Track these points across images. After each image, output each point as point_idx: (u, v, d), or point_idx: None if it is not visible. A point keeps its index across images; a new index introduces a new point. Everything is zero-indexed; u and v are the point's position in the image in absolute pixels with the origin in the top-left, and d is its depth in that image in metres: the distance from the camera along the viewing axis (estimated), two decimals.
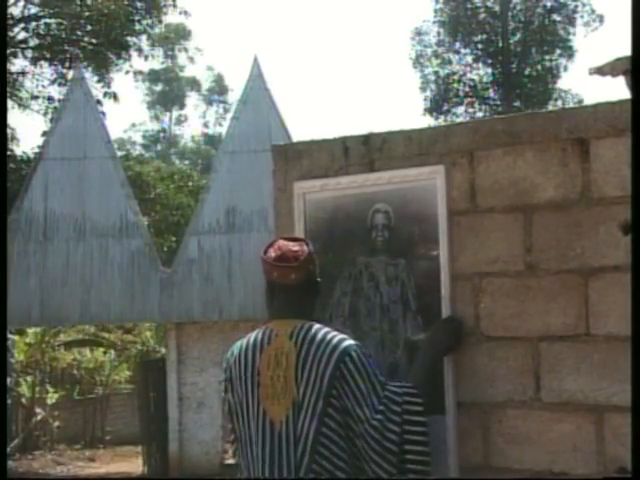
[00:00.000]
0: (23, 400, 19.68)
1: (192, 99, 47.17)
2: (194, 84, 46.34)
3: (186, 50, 39.06)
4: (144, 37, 20.56)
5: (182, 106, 46.69)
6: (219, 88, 46.58)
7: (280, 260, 2.99)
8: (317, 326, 2.96)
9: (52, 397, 20.21)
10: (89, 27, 19.36)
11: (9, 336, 18.69)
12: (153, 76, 43.14)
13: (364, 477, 2.84)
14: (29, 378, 19.86)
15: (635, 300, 2.67)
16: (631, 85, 2.73)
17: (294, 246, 3.06)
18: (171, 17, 21.19)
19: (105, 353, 22.02)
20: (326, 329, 2.96)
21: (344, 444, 2.80)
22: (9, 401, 18.50)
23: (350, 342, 2.91)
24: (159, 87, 45.16)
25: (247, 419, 2.91)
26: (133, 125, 45.73)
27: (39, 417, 19.63)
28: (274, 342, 2.92)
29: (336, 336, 2.92)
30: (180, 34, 35.10)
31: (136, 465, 16.32)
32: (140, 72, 26.22)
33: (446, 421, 3.29)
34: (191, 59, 42.62)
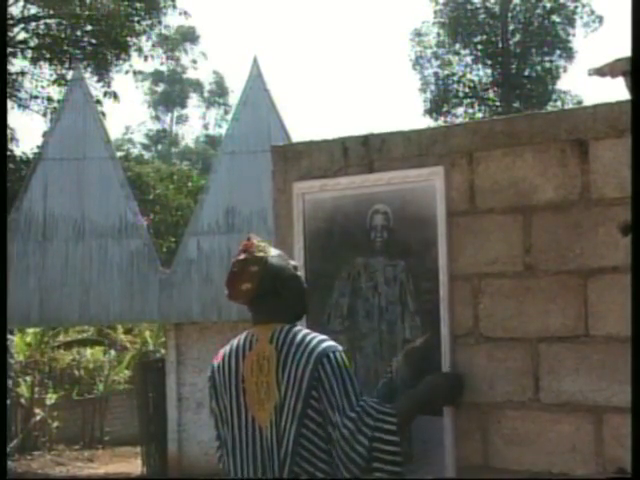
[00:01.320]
0: (22, 400, 19.68)
1: (193, 100, 47.25)
2: (197, 86, 46.39)
3: (186, 52, 39.15)
4: (144, 37, 20.58)
5: (183, 107, 46.75)
6: (220, 90, 46.61)
7: (227, 284, 3.06)
8: (297, 328, 2.96)
9: (51, 397, 20.21)
10: (89, 27, 19.37)
11: (8, 336, 18.70)
12: (157, 77, 43.21)
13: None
14: (28, 378, 19.86)
15: (635, 300, 2.67)
16: (631, 86, 2.72)
17: (235, 265, 3.06)
18: (171, 18, 21.13)
19: (105, 353, 22.02)
20: (306, 331, 2.96)
21: (324, 445, 2.81)
22: (8, 401, 18.51)
23: (329, 343, 2.91)
24: (161, 88, 45.21)
25: (234, 426, 2.92)
26: (132, 126, 45.81)
27: (38, 417, 19.62)
28: (255, 347, 2.94)
29: (315, 337, 2.91)
30: (187, 37, 35.15)
31: (135, 465, 16.32)
32: (140, 72, 26.23)
33: (444, 422, 3.29)
34: (194, 62, 42.74)
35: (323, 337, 2.94)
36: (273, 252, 3.11)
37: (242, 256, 3.06)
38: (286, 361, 2.85)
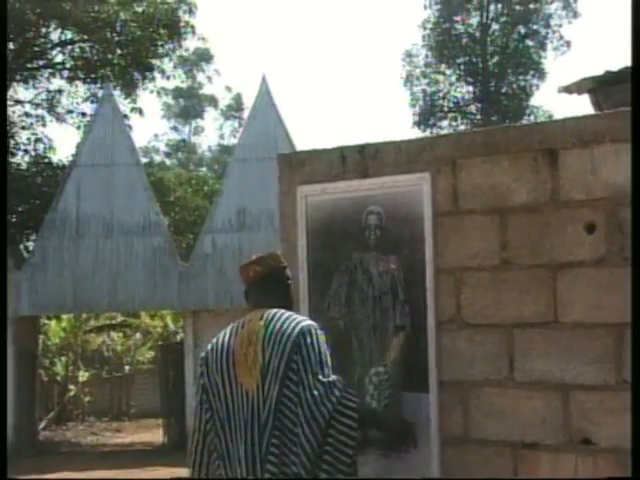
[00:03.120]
0: (58, 378, 19.68)
1: (210, 114, 47.17)
2: (212, 100, 46.32)
3: (204, 71, 39.12)
4: (166, 60, 20.56)
5: (200, 119, 46.71)
6: (237, 106, 46.55)
7: (244, 266, 3.16)
8: (284, 311, 2.98)
9: (83, 375, 20.21)
10: (118, 51, 19.34)
11: (45, 322, 18.70)
12: (176, 92, 43.15)
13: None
14: (63, 359, 19.86)
15: (635, 300, 2.62)
16: (632, 89, 2.67)
17: (255, 256, 3.17)
18: (190, 42, 21.08)
19: (130, 337, 22.02)
20: (291, 313, 2.99)
21: (297, 409, 2.78)
22: (45, 379, 18.51)
23: (311, 322, 2.94)
24: (180, 102, 45.16)
25: (226, 396, 2.88)
26: (156, 135, 45.73)
27: (72, 393, 19.63)
28: (247, 326, 2.96)
29: (299, 317, 2.96)
30: (203, 57, 35.09)
31: (157, 435, 16.34)
32: (162, 89, 26.21)
33: (429, 398, 3.29)
34: (209, 79, 42.67)
35: (306, 318, 3.00)
36: (285, 264, 3.19)
37: (263, 254, 3.17)
38: (272, 331, 2.86)
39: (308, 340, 2.84)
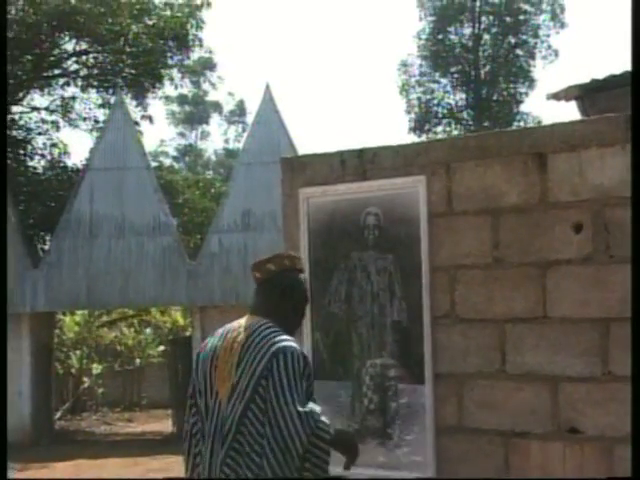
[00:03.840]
0: (72, 371, 19.67)
1: (215, 119, 47.14)
2: (217, 107, 46.28)
3: (210, 80, 39.04)
4: (175, 69, 20.54)
5: (206, 124, 46.70)
6: (239, 111, 46.52)
7: (259, 261, 2.85)
8: (270, 325, 2.70)
9: (97, 368, 20.20)
10: (130, 61, 19.34)
11: (60, 317, 18.71)
12: (182, 100, 43.12)
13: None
14: (78, 352, 19.85)
15: (635, 301, 2.60)
16: (632, 90, 2.65)
17: (273, 254, 2.85)
18: (197, 53, 21.06)
19: (141, 332, 22.01)
20: (274, 330, 2.68)
21: (261, 429, 2.55)
22: (60, 371, 18.52)
23: (290, 344, 2.63)
24: (186, 109, 45.13)
25: (206, 396, 2.74)
26: (164, 141, 45.70)
27: (86, 385, 19.63)
28: (233, 333, 2.74)
29: (280, 336, 2.65)
30: (207, 66, 35.05)
31: (167, 425, 16.32)
32: (168, 97, 26.22)
33: (425, 389, 3.29)
34: (214, 85, 42.64)
35: (288, 338, 2.66)
36: (287, 269, 2.83)
37: (293, 253, 2.95)
38: (249, 348, 2.64)
39: (281, 363, 2.57)
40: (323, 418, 2.57)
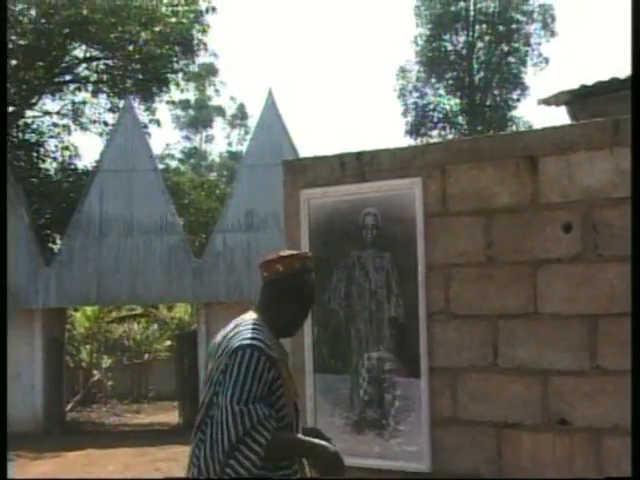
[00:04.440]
0: (83, 364, 19.69)
1: (219, 123, 47.11)
2: (220, 111, 46.26)
3: (214, 84, 38.99)
4: (181, 75, 20.52)
5: (210, 128, 46.67)
6: (241, 115, 46.49)
7: (270, 259, 2.67)
8: (251, 322, 2.57)
9: (106, 362, 20.22)
10: (138, 66, 19.33)
11: (72, 313, 18.70)
12: (186, 104, 43.09)
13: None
14: (88, 347, 19.87)
15: (635, 300, 2.59)
16: (632, 90, 2.64)
17: (277, 253, 2.68)
18: (203, 58, 21.01)
19: (148, 327, 22.01)
20: (252, 327, 2.54)
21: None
22: (71, 365, 18.52)
23: (249, 342, 2.46)
24: (190, 113, 45.13)
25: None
26: (170, 144, 45.69)
27: (96, 378, 19.64)
28: (231, 325, 2.63)
29: (247, 334, 2.50)
30: (210, 71, 35.03)
31: (173, 416, 16.32)
32: (172, 102, 26.18)
33: (421, 383, 3.29)
34: (217, 91, 42.58)
35: (256, 336, 2.49)
36: (312, 269, 2.69)
37: (299, 253, 2.75)
38: (225, 341, 2.54)
39: (236, 360, 2.42)
40: (267, 422, 2.39)
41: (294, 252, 2.71)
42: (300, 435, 2.60)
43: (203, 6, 19.44)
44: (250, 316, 2.63)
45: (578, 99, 6.93)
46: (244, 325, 2.57)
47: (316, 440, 2.55)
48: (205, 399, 2.52)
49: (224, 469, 2.39)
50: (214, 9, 19.49)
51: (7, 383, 4.08)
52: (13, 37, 17.72)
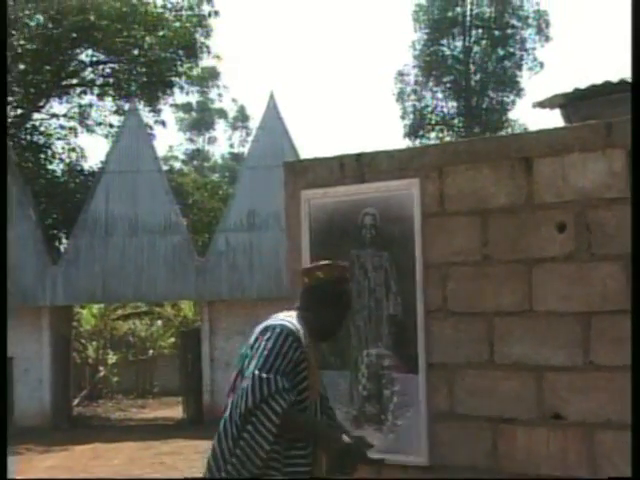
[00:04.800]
0: (89, 360, 19.72)
1: (221, 125, 47.05)
2: (222, 113, 46.21)
3: (217, 87, 38.96)
4: (184, 77, 20.51)
5: (213, 130, 46.62)
6: (242, 117, 46.45)
7: (311, 266, 2.86)
8: (290, 315, 2.67)
9: (112, 358, 20.25)
10: (143, 70, 19.33)
11: (78, 310, 18.71)
12: (189, 107, 43.06)
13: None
14: (94, 343, 19.89)
15: (635, 297, 2.58)
16: (632, 91, 2.63)
17: (328, 262, 2.81)
18: (206, 61, 21.01)
19: (153, 324, 22.03)
20: (289, 317, 2.64)
21: None
22: (78, 361, 18.53)
23: (283, 323, 2.58)
24: (193, 115, 45.09)
25: None
26: (174, 146, 45.63)
27: (102, 374, 19.67)
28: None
29: (280, 319, 2.63)
30: (212, 75, 35.00)
31: (177, 411, 16.34)
32: (175, 105, 26.18)
33: (419, 379, 3.29)
34: (220, 96, 42.58)
35: (288, 320, 2.61)
36: (349, 279, 2.84)
37: (339, 263, 2.86)
38: (255, 333, 2.64)
39: (265, 336, 2.53)
40: (285, 394, 2.42)
41: (334, 262, 2.82)
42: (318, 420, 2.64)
43: (206, 10, 19.45)
44: (289, 312, 2.72)
45: (572, 102, 6.93)
46: (281, 314, 2.68)
47: (333, 430, 2.61)
48: (237, 378, 2.57)
49: (241, 434, 2.44)
50: (217, 13, 19.50)
51: (7, 383, 4.02)
52: (22, 42, 17.74)
